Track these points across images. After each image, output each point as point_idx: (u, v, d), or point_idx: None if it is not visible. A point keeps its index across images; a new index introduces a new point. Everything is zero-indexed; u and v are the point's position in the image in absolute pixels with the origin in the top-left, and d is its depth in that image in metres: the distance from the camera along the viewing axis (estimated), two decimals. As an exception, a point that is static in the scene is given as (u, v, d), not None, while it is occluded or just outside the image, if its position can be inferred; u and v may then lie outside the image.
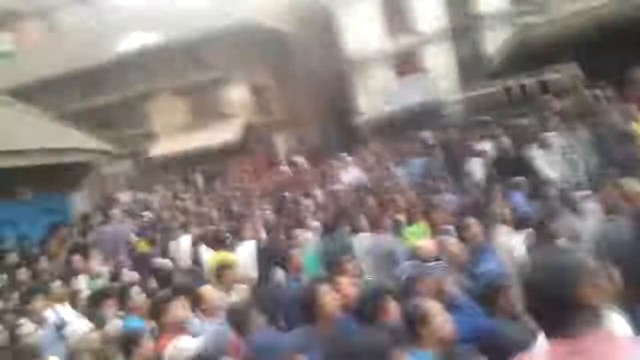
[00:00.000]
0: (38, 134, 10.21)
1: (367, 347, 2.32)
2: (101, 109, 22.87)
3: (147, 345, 3.71)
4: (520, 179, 6.52)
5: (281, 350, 2.83)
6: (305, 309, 3.49)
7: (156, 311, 4.14)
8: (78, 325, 4.91)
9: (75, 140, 11.03)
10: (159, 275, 6.32)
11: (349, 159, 12.60)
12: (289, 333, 3.64)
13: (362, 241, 6.16)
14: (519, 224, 5.05)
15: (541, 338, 1.86)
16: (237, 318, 3.73)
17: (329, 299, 3.48)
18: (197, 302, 4.37)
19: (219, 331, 3.84)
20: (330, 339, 3.07)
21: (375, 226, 6.39)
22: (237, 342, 3.56)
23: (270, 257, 6.16)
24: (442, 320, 2.91)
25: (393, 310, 3.24)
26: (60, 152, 9.84)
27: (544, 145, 7.08)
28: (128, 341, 3.76)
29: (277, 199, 10.60)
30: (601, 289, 1.70)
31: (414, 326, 2.89)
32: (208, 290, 4.62)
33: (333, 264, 4.73)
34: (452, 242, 4.55)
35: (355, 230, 6.51)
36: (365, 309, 3.29)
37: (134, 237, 9.28)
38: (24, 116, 11.03)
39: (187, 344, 3.75)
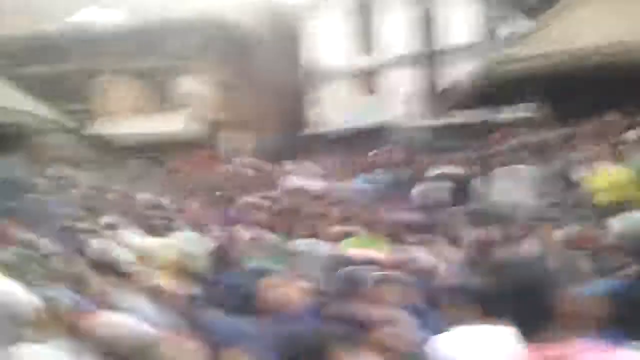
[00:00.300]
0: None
1: (309, 343, 2.23)
2: (46, 79, 21.89)
3: (68, 316, 3.43)
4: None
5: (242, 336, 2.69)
6: (249, 302, 3.35)
7: (78, 284, 3.92)
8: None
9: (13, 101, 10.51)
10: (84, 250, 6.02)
11: (293, 167, 12.55)
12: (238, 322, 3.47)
13: (297, 246, 6.06)
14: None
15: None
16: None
17: (275, 294, 3.37)
18: (121, 280, 4.17)
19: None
20: (274, 333, 2.93)
21: (309, 234, 6.34)
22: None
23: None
24: (390, 329, 2.81)
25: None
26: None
27: (490, 179, 7.15)
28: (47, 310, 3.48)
29: (213, 196, 10.47)
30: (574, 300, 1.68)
31: (360, 331, 2.77)
32: (136, 270, 4.40)
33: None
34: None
35: (289, 235, 6.46)
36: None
37: (58, 210, 8.96)
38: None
39: (115, 319, 3.48)
